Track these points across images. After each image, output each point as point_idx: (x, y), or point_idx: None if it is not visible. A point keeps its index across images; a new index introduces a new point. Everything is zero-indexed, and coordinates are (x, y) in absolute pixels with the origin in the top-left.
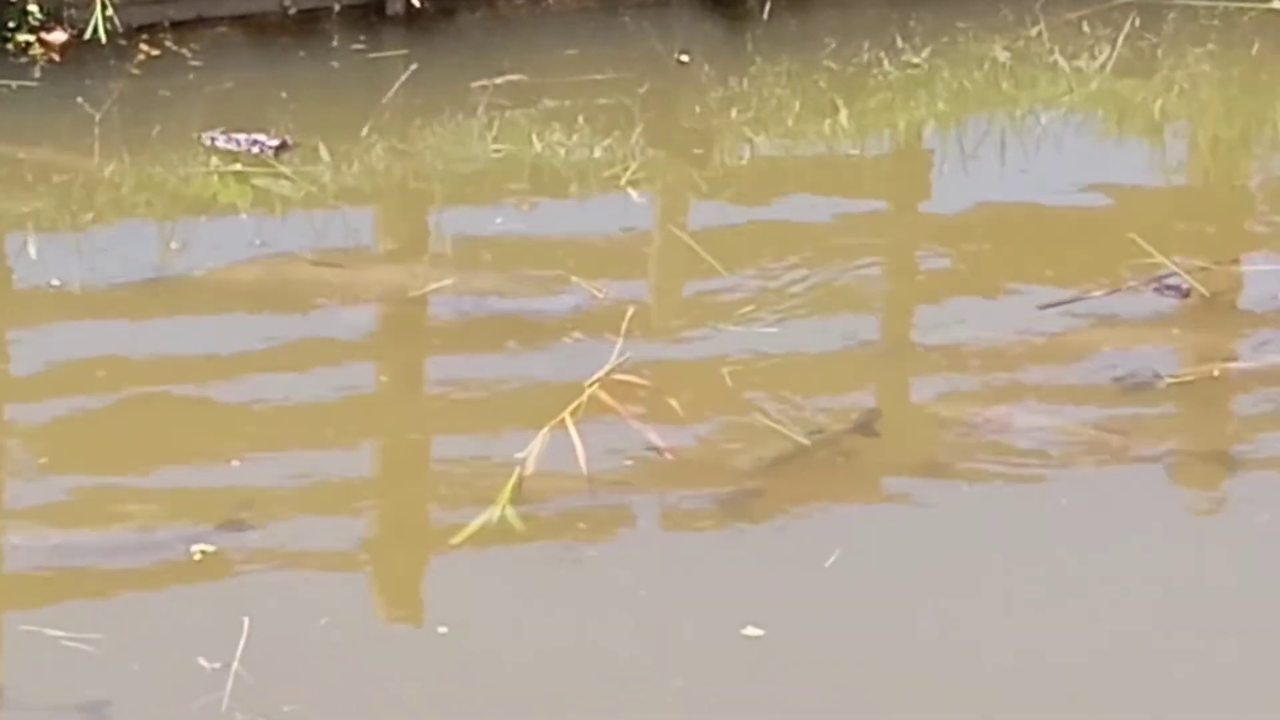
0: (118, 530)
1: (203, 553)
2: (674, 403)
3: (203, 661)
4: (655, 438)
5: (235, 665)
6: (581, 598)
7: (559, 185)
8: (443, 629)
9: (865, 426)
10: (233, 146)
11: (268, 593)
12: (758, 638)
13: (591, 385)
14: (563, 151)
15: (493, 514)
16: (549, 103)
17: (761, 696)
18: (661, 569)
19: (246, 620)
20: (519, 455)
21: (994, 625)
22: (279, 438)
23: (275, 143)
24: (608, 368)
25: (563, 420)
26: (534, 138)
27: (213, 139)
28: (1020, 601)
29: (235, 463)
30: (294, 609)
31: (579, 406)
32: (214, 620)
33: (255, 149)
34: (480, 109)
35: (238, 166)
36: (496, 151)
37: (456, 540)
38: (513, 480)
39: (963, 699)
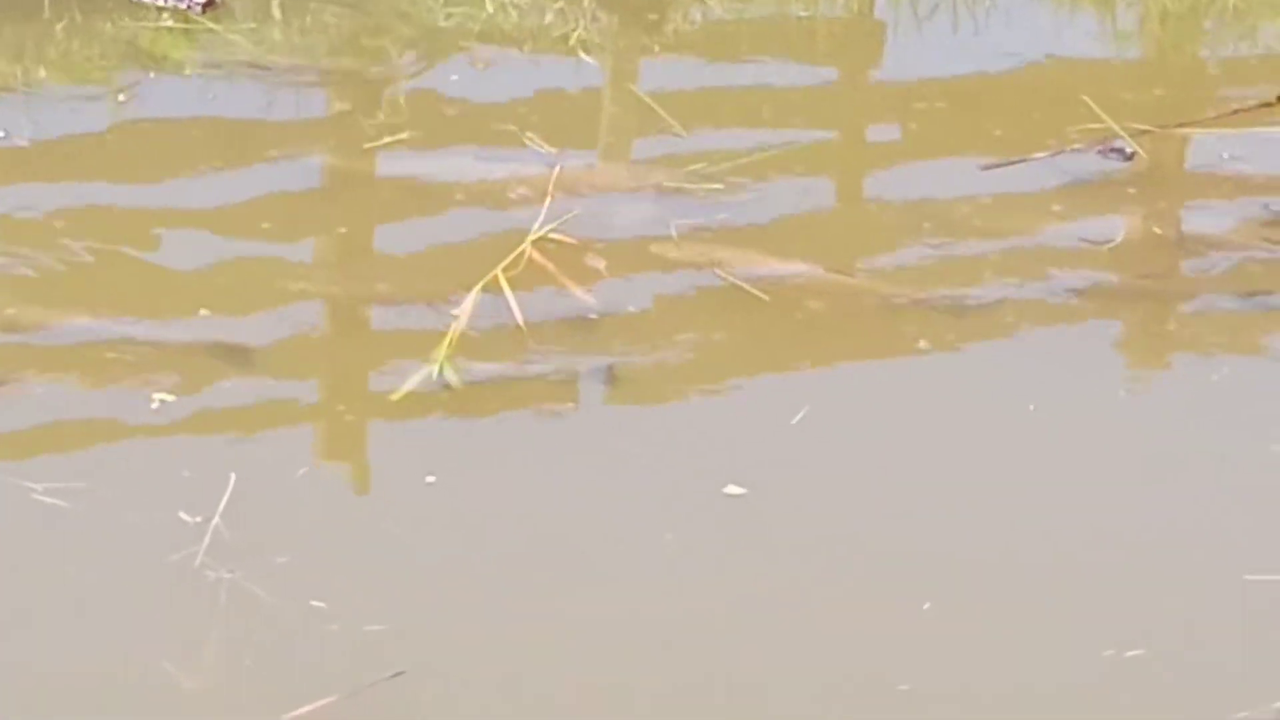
0: (84, 382)
1: (162, 401)
2: (606, 262)
3: (184, 515)
4: (588, 296)
5: (216, 520)
6: (549, 458)
7: (511, 46)
8: (430, 478)
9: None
10: (157, 1)
11: (241, 445)
12: (740, 496)
13: (527, 243)
14: (515, 14)
15: (431, 371)
16: None
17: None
18: (625, 429)
19: (234, 475)
20: (454, 313)
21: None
22: (235, 293)
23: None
24: (547, 227)
25: (495, 278)
26: (486, 2)
27: None
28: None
29: (204, 311)
30: (268, 462)
31: (512, 264)
32: (196, 474)
33: (183, 4)
34: None
35: (170, 22)
36: (449, 16)
37: (396, 396)
38: (449, 337)
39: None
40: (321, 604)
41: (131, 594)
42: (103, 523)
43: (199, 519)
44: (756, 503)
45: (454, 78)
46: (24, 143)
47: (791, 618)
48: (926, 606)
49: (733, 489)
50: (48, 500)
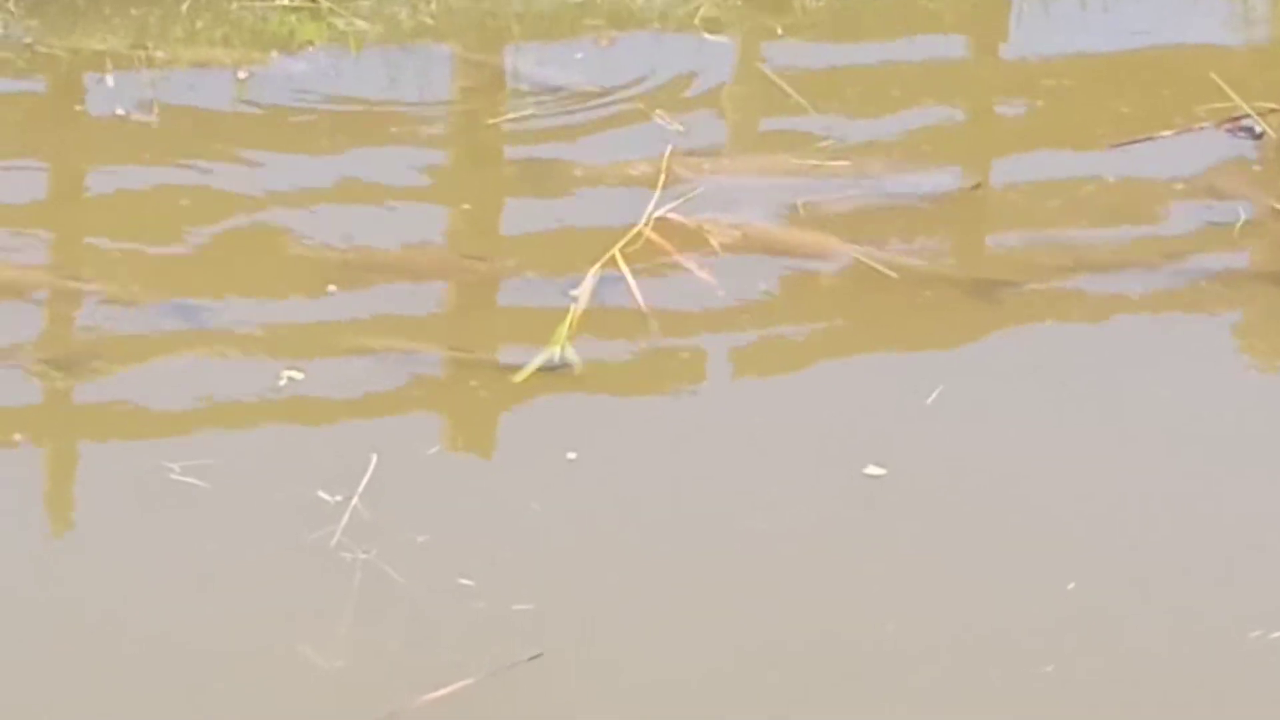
0: (212, 361)
1: (290, 379)
2: (728, 241)
3: (323, 494)
4: (708, 276)
5: (354, 501)
6: (685, 437)
7: (636, 25)
8: (571, 455)
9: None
10: None
11: (371, 424)
12: (880, 476)
13: (644, 223)
14: None
15: (554, 352)
16: None
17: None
18: (757, 409)
19: (375, 456)
20: (573, 293)
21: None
22: (360, 270)
23: None
24: (666, 206)
25: (614, 258)
26: None
27: None
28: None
29: (331, 288)
30: (400, 441)
31: (630, 244)
32: (332, 452)
33: None
34: None
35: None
36: None
37: (520, 377)
38: (569, 317)
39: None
40: (469, 582)
41: (268, 573)
42: (239, 502)
43: (339, 498)
44: (896, 482)
45: (579, 56)
46: (150, 120)
47: (934, 594)
48: (1071, 586)
49: (873, 469)
50: (185, 479)
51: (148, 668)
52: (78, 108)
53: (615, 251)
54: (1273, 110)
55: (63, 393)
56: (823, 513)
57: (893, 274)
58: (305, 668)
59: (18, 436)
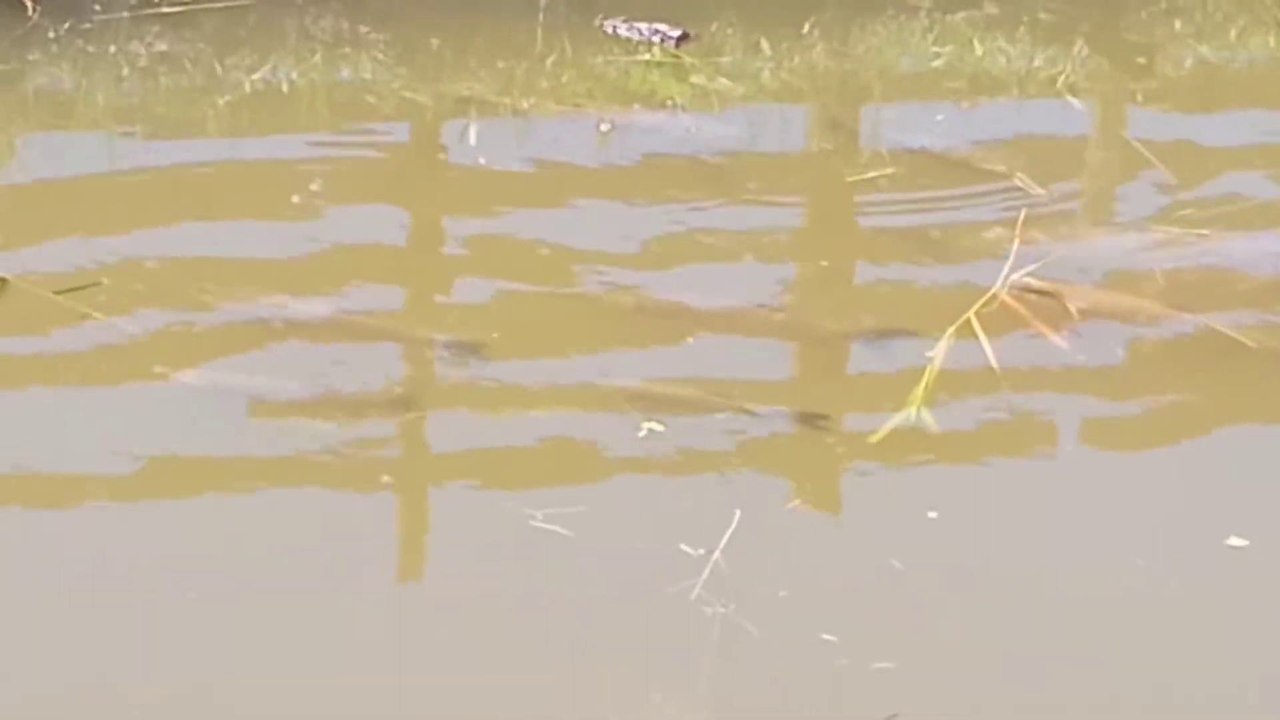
0: (576, 410)
1: (650, 430)
2: (1084, 306)
3: (685, 547)
4: (1063, 342)
5: (716, 555)
6: (1040, 501)
7: (998, 88)
8: (932, 514)
9: None
10: (633, 35)
11: (730, 478)
12: (1243, 548)
13: (999, 286)
14: (1003, 59)
15: (909, 413)
16: (991, 9)
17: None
18: (1113, 476)
19: (738, 511)
20: (928, 354)
21: None
22: (717, 327)
23: (677, 33)
24: (1021, 270)
25: (968, 321)
26: (975, 42)
27: (614, 27)
28: None
29: (689, 340)
30: (759, 496)
31: (985, 306)
32: (694, 506)
33: (656, 38)
34: (922, 12)
35: (656, 57)
36: (937, 55)
37: (875, 439)
38: (924, 379)
39: None
40: (831, 637)
41: (628, 624)
42: (601, 551)
43: (700, 551)
44: (1260, 554)
45: (939, 118)
46: (511, 169)
47: None
48: None
49: (1235, 540)
50: (547, 527)
51: (505, 710)
52: (440, 156)
53: (970, 315)
54: None
55: (423, 438)
56: (1186, 581)
57: (1251, 344)
58: (658, 717)
59: (385, 479)
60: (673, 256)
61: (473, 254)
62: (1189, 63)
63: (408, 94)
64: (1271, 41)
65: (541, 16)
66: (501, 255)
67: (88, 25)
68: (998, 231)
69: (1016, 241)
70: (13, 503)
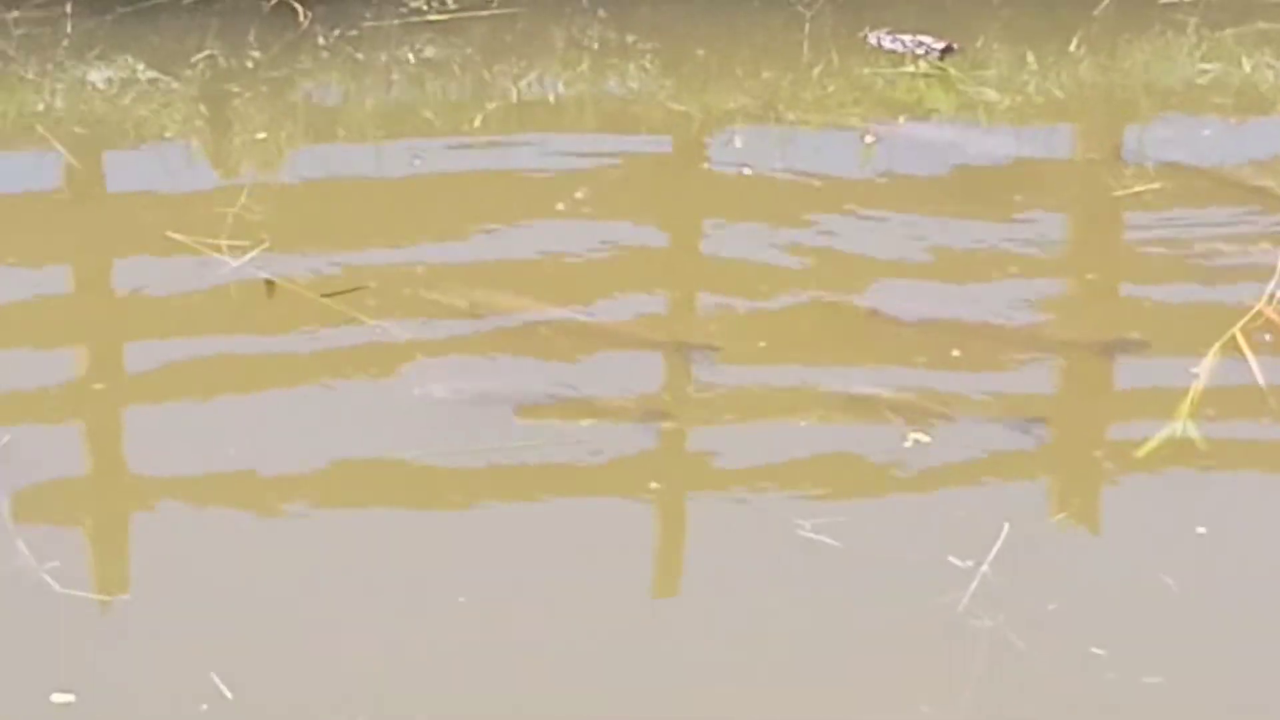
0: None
1: (916, 441)
2: None
3: (953, 559)
4: None
5: (984, 567)
6: None
7: (1266, 104)
8: (1200, 529)
9: None
10: (897, 47)
11: (994, 490)
12: None
13: (1263, 303)
14: (1271, 74)
15: (1176, 427)
16: (1262, 24)
17: None
18: None
19: (1006, 525)
20: (1194, 370)
21: None
22: (983, 340)
23: (941, 45)
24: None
25: (1233, 338)
26: (1243, 59)
27: (878, 39)
28: None
29: (956, 353)
30: (1027, 508)
31: (1251, 322)
32: (962, 517)
33: (921, 50)
34: (1190, 28)
35: (923, 69)
36: (1204, 71)
37: (1141, 453)
38: (1190, 394)
39: None
40: (1101, 652)
41: (895, 635)
42: (869, 562)
43: (969, 563)
44: None
45: (1206, 133)
46: (775, 179)
47: None
48: None
49: None
50: (816, 537)
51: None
52: (704, 165)
53: (1235, 331)
54: None
55: (684, 445)
56: None
57: None
58: None
59: (652, 484)
60: (935, 268)
61: (732, 262)
62: None
63: (673, 105)
64: None
65: (807, 28)
66: (761, 264)
67: (356, 32)
68: (1264, 247)
69: None
70: (280, 501)
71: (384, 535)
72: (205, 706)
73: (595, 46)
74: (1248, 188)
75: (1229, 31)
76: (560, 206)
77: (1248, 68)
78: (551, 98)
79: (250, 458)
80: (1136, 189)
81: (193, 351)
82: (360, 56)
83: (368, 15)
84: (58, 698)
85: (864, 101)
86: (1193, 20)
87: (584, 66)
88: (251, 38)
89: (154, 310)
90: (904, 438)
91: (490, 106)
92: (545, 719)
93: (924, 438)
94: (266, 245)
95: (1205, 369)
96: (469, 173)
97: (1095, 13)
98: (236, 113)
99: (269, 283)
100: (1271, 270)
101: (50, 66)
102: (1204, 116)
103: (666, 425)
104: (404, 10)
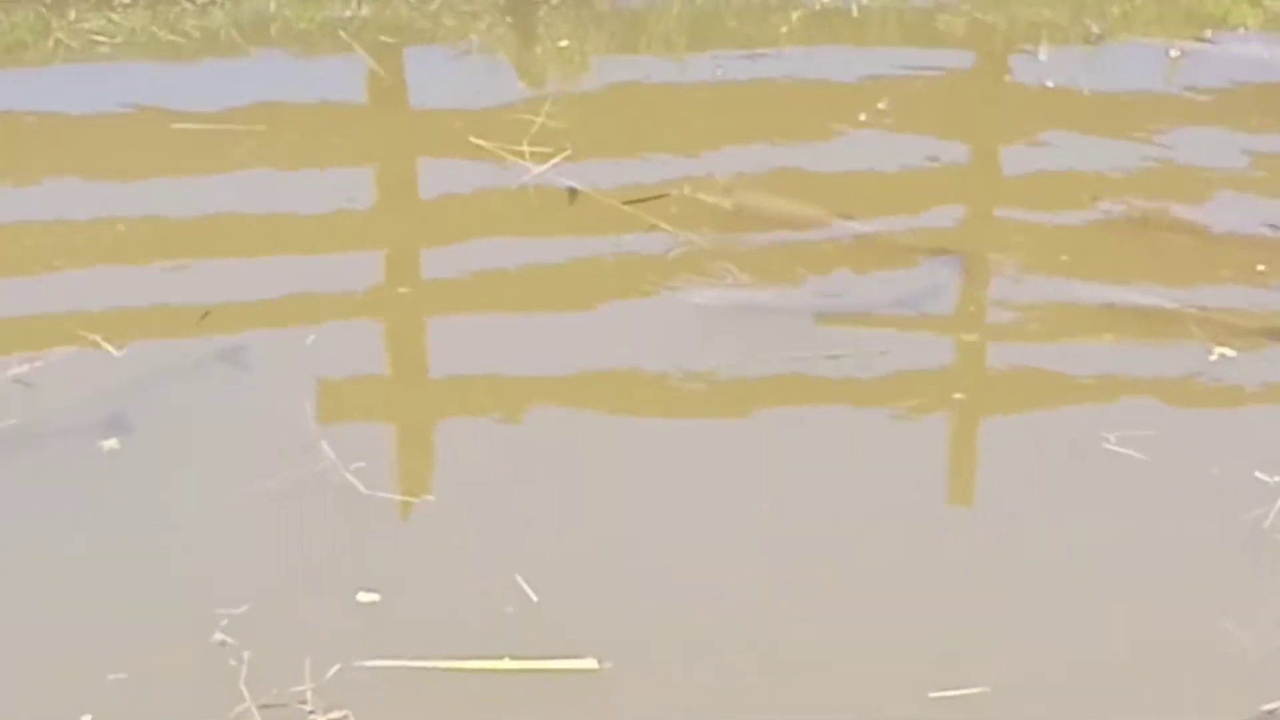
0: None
1: (1221, 355)
2: None
3: (1260, 475)
4: None
5: None
6: None
7: None
8: None
9: None
10: None
11: None
12: None
13: None
14: None
15: None
16: None
17: None
18: None
19: None
20: None
21: None
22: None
23: None
24: None
25: None
26: None
27: None
28: None
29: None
30: None
31: None
32: (1269, 435)
33: None
34: None
35: None
36: None
37: None
38: None
39: None
40: None
41: (1200, 548)
42: (1175, 476)
43: (1276, 479)
44: None
45: None
46: (1079, 94)
47: None
48: None
49: None
50: (1121, 450)
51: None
52: (1006, 78)
53: None
54: None
55: (981, 357)
56: None
57: None
58: (1228, 642)
59: (956, 395)
60: (1242, 182)
61: (1034, 176)
62: None
63: (979, 15)
64: None
65: None
66: (1063, 176)
67: None
68: None
69: None
70: (582, 405)
71: (689, 443)
72: (511, 609)
73: None
74: None
75: None
76: (863, 117)
77: None
78: (855, 9)
79: (552, 363)
80: None
81: (495, 256)
82: None
83: None
84: (363, 597)
85: (1169, 16)
86: None
87: None
88: None
89: (457, 215)
90: (1209, 352)
91: (794, 16)
92: (849, 616)
93: (1230, 352)
94: (568, 153)
95: None
96: (771, 81)
97: None
98: (541, 21)
99: (571, 190)
100: None
101: None
102: None
103: (968, 337)
104: None
